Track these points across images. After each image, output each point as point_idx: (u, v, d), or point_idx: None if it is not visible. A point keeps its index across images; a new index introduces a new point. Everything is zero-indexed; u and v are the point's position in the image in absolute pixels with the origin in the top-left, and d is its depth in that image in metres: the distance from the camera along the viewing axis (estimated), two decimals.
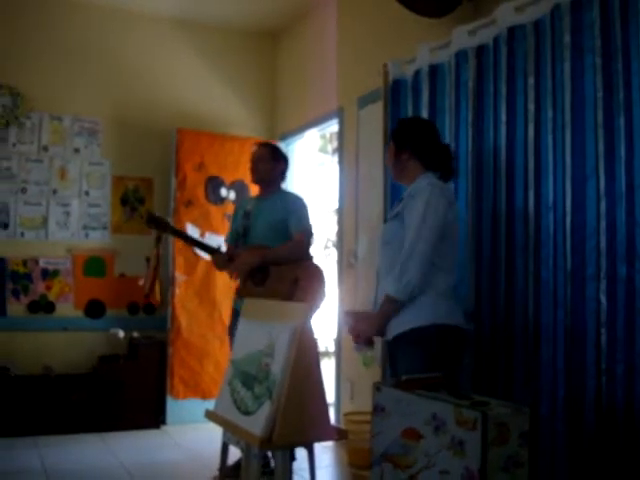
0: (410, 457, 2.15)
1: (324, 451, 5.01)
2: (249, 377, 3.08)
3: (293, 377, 2.83)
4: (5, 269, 5.69)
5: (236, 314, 4.16)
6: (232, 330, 4.16)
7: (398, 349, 3.00)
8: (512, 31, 3.38)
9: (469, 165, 3.61)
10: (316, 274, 4.19)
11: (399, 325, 2.94)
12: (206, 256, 5.19)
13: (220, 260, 4.32)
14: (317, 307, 4.12)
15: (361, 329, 3.04)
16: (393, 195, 4.23)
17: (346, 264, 5.36)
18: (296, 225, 4.22)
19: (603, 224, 2.88)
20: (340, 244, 5.55)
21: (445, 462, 2.03)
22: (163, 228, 4.33)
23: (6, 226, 5.71)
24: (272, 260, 4.14)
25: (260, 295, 3.96)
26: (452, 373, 2.79)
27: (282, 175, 4.48)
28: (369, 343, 3.05)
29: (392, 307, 2.93)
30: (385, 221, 3.23)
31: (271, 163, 4.39)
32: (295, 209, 4.27)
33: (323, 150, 8.12)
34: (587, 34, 2.98)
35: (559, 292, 3.04)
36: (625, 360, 2.77)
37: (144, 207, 6.14)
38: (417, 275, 2.85)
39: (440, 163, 3.19)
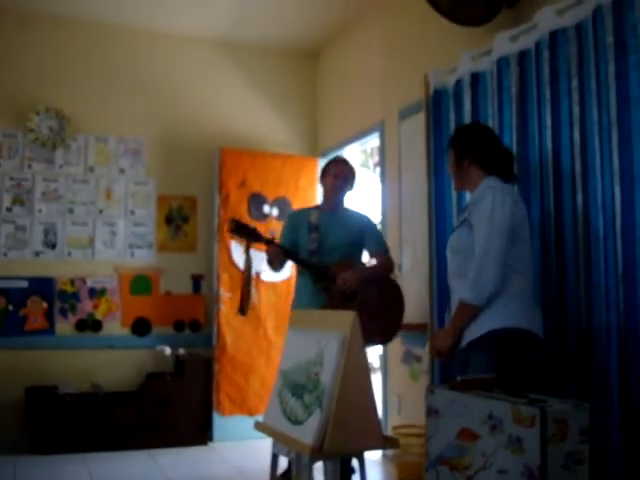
0: (467, 458, 2.13)
1: (373, 466, 4.98)
2: (298, 387, 3.08)
3: (343, 385, 2.82)
4: (53, 288, 5.79)
5: None
6: None
7: (471, 354, 2.93)
8: (554, 35, 3.37)
9: (515, 171, 3.57)
10: (396, 288, 4.31)
11: (474, 330, 2.89)
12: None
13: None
14: (402, 320, 4.24)
15: (438, 345, 3.00)
16: (438, 205, 4.23)
17: None
18: (381, 245, 4.33)
19: None
20: None
21: (503, 461, 2.00)
22: (254, 238, 4.00)
23: (54, 246, 5.81)
24: (369, 279, 4.16)
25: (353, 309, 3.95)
26: (523, 378, 2.73)
27: None
28: (453, 357, 2.99)
29: (468, 314, 2.89)
30: (452, 230, 3.21)
31: (352, 183, 4.42)
32: (373, 230, 4.37)
33: (364, 165, 8.13)
34: (630, 34, 2.96)
35: (611, 295, 2.99)
36: None
37: (188, 225, 6.22)
38: (492, 278, 2.83)
39: (502, 166, 3.17)
